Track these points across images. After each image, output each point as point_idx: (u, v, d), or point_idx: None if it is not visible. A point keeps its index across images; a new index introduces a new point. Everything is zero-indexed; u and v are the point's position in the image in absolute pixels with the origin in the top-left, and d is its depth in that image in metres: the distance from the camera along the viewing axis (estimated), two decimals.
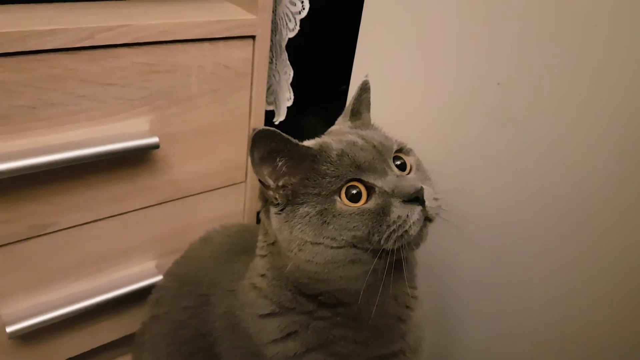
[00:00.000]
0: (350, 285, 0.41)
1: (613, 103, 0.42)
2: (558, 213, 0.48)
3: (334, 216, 0.38)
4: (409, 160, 0.43)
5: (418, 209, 0.38)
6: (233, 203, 0.71)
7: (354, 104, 0.49)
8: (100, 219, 0.60)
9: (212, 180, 0.67)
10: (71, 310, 0.60)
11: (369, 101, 0.50)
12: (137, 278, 0.65)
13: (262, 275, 0.44)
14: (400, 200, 0.38)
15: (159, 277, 0.65)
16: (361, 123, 0.48)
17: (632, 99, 0.41)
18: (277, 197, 0.41)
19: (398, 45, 0.58)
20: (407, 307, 0.46)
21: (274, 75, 0.68)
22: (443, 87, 0.55)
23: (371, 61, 0.62)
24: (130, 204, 0.61)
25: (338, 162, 0.39)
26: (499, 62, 0.48)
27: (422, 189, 0.38)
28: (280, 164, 0.40)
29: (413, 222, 0.37)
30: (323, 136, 0.45)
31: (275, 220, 0.41)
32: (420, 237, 0.39)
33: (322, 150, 0.40)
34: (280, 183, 0.40)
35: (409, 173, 0.43)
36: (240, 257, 0.50)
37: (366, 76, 0.49)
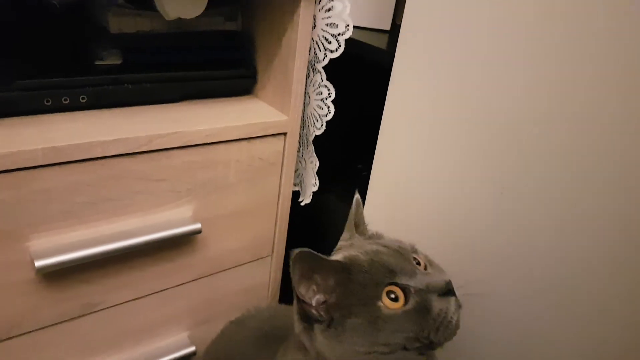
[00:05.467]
0: None
1: (614, 205, 0.48)
2: (566, 309, 0.53)
3: (384, 322, 0.41)
4: (420, 258, 0.47)
5: (453, 299, 0.43)
6: (260, 275, 0.77)
7: (355, 218, 0.53)
8: (142, 296, 0.65)
9: (242, 255, 0.73)
10: None
11: (363, 215, 0.55)
12: (171, 349, 0.70)
13: None
14: (436, 294, 0.42)
15: (192, 349, 0.71)
16: (370, 235, 0.53)
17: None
18: (321, 313, 0.44)
19: (412, 145, 0.65)
20: None
21: (300, 162, 0.75)
22: (455, 169, 0.61)
23: (390, 148, 0.70)
24: (169, 281, 0.67)
25: (372, 270, 0.43)
26: (503, 171, 0.55)
27: (450, 281, 0.43)
28: (318, 280, 0.43)
29: (453, 312, 0.42)
30: (341, 250, 0.49)
31: (321, 337, 0.44)
32: (457, 325, 0.43)
33: (353, 262, 0.44)
34: (321, 297, 0.44)
35: (425, 269, 0.47)
36: (271, 344, 0.54)
37: (357, 192, 0.54)
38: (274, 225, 0.74)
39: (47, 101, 0.56)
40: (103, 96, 0.59)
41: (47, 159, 0.51)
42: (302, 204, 0.76)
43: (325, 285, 0.44)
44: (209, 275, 0.71)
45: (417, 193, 0.66)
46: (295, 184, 0.77)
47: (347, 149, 0.78)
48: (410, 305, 0.42)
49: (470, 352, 0.63)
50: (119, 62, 0.60)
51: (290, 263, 0.42)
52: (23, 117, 0.56)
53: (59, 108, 0.57)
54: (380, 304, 0.42)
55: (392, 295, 0.42)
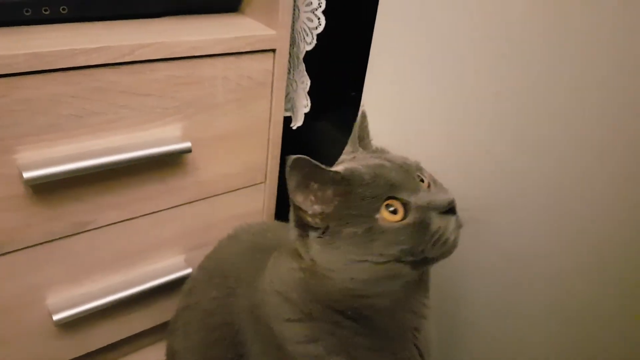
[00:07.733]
0: (380, 301, 0.45)
1: (607, 105, 0.46)
2: (560, 215, 0.52)
3: (381, 233, 0.41)
4: (425, 176, 0.46)
5: (453, 218, 0.42)
6: (254, 202, 0.77)
7: (359, 132, 0.52)
8: (134, 217, 0.66)
9: (235, 181, 0.73)
10: (108, 301, 0.66)
11: (368, 128, 0.53)
12: (167, 271, 0.71)
13: (292, 288, 0.47)
14: (437, 212, 0.42)
15: (188, 270, 0.71)
16: (375, 149, 0.52)
17: (629, 100, 0.44)
18: (317, 221, 0.43)
19: (405, 57, 0.63)
20: (423, 317, 0.49)
21: (291, 84, 0.73)
22: (447, 94, 0.60)
23: (381, 71, 0.68)
24: (161, 203, 0.67)
25: (373, 183, 0.42)
26: (498, 72, 0.53)
27: (453, 200, 0.42)
28: (315, 188, 0.42)
29: (451, 231, 0.41)
30: (342, 163, 0.48)
31: (316, 244, 0.43)
32: (455, 244, 0.42)
33: (354, 174, 0.43)
34: (318, 207, 0.43)
35: (428, 186, 0.46)
36: (262, 255, 0.54)
37: (362, 106, 0.52)
38: (266, 151, 0.73)
39: (27, 11, 0.55)
40: (84, 7, 0.57)
41: (30, 66, 0.50)
42: (294, 127, 0.75)
43: (324, 196, 0.43)
44: (202, 199, 0.71)
45: (413, 104, 0.65)
46: (286, 109, 0.76)
47: (339, 73, 0.77)
48: (409, 220, 0.41)
49: (470, 268, 0.63)
50: None
51: (287, 169, 0.41)
52: (3, 27, 0.55)
53: (39, 19, 0.56)
54: (378, 216, 0.41)
55: (392, 209, 0.42)
